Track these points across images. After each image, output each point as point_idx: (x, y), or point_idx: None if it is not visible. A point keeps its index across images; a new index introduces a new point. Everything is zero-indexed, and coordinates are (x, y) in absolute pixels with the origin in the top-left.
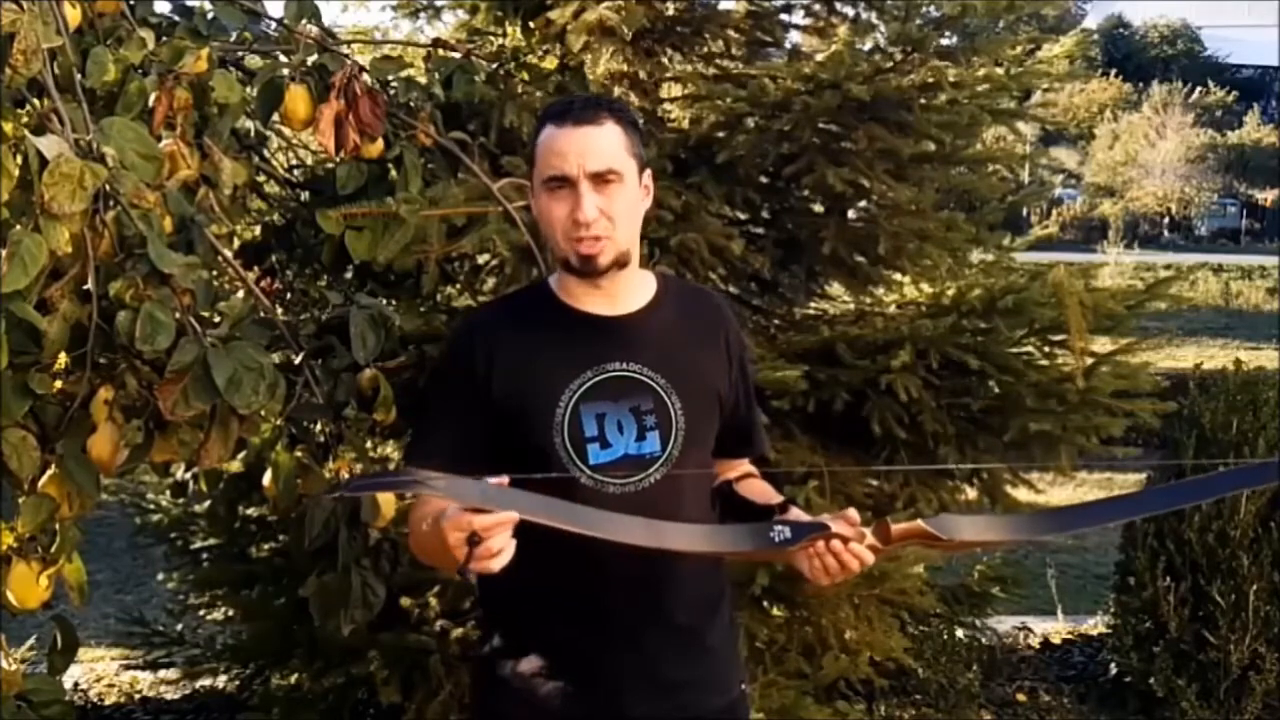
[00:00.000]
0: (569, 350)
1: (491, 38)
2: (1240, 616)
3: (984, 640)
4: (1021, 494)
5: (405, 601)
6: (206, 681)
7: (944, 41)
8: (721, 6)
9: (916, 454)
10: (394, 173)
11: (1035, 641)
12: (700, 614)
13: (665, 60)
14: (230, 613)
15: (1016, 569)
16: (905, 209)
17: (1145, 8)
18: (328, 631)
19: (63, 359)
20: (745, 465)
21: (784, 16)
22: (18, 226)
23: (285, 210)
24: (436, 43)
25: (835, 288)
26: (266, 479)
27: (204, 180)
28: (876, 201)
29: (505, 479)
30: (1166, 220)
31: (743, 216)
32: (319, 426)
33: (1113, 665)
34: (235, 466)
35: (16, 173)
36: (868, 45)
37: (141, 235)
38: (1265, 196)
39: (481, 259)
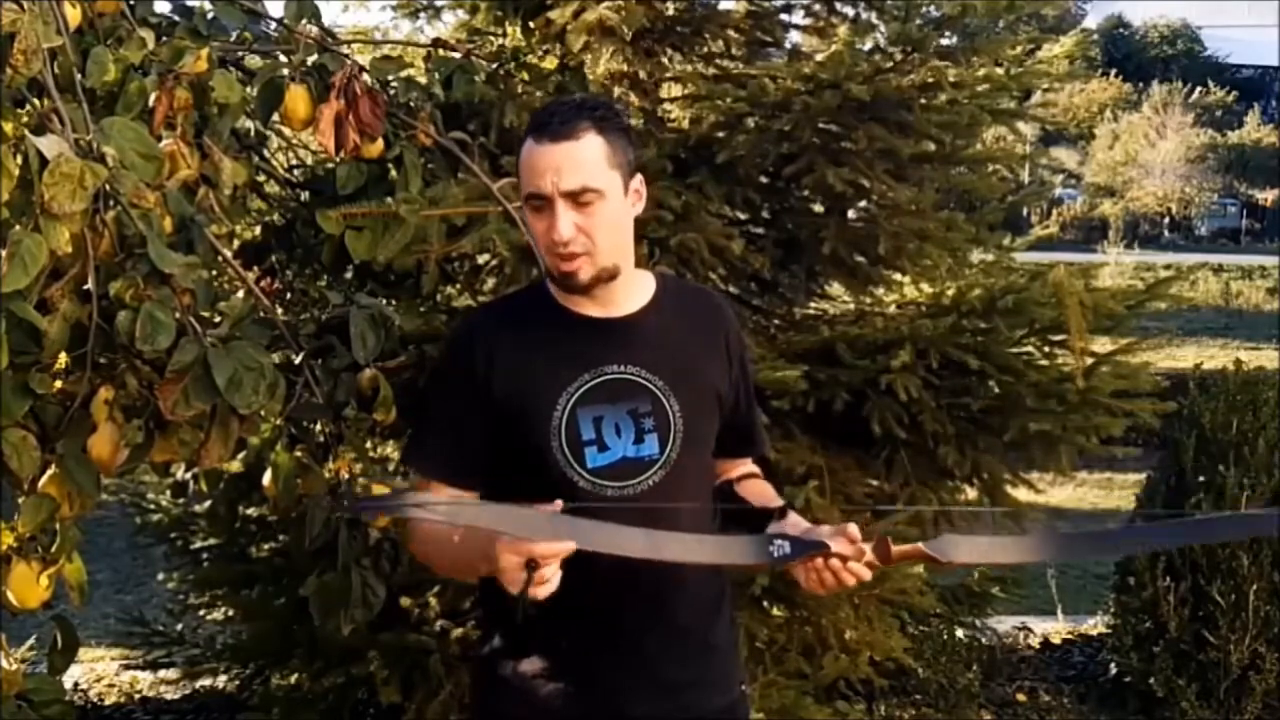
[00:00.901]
0: (567, 352)
1: (491, 38)
2: (1240, 616)
3: (984, 640)
4: (1022, 494)
5: (405, 601)
6: (206, 681)
7: (944, 41)
8: (721, 6)
9: (916, 454)
10: (394, 173)
11: (1035, 641)
12: (701, 614)
13: (665, 60)
14: (230, 613)
15: (1016, 569)
16: (905, 209)
17: (1145, 8)
18: (328, 631)
19: (63, 359)
20: (747, 465)
21: (784, 16)
22: (18, 226)
23: (285, 210)
24: (436, 43)
25: (835, 288)
26: (266, 479)
27: (204, 180)
28: (876, 201)
29: (557, 504)
30: (1166, 220)
31: (743, 216)
32: (319, 426)
33: (1113, 665)
34: (235, 466)
35: (16, 172)
36: (868, 45)
37: (141, 235)
38: (1265, 196)
39: (481, 259)
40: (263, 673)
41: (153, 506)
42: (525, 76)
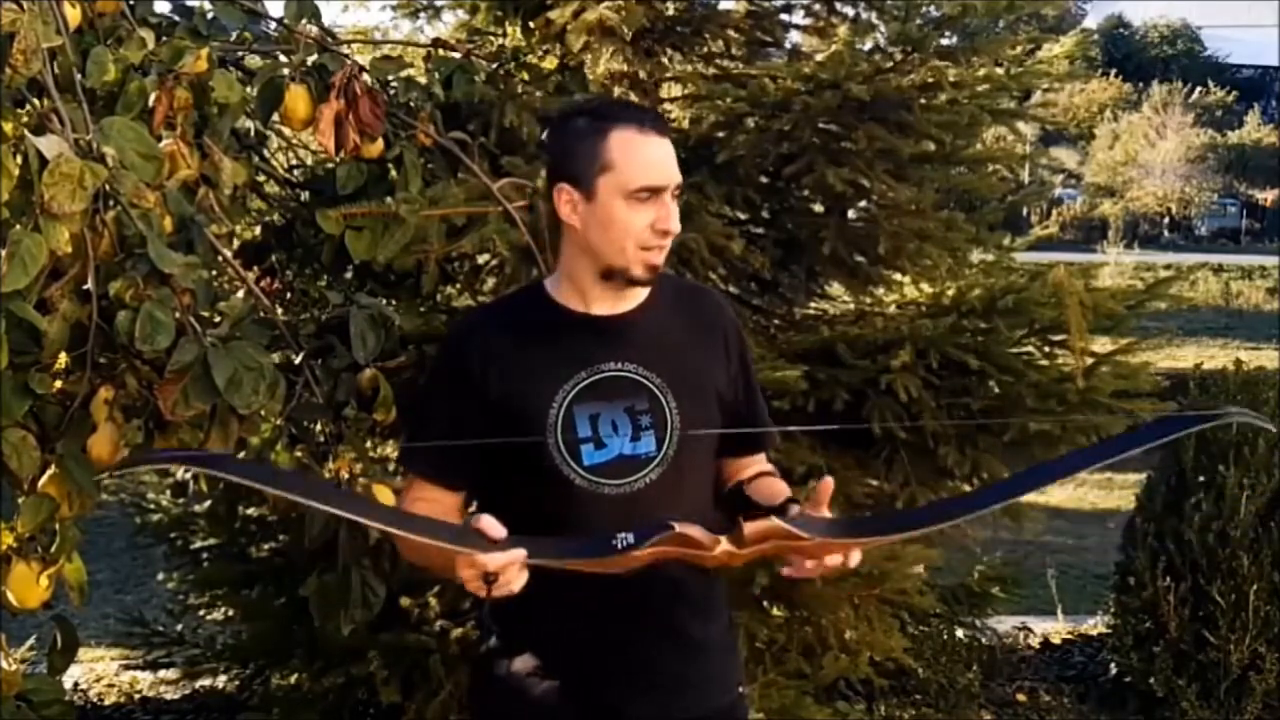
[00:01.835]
0: (563, 351)
1: (491, 38)
2: (1240, 616)
3: (984, 640)
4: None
5: (405, 601)
6: (206, 681)
7: (944, 41)
8: (721, 6)
9: (916, 454)
10: (394, 173)
11: (1035, 641)
12: (699, 614)
13: (665, 60)
14: (230, 613)
15: (1016, 569)
16: (905, 209)
17: (1145, 8)
18: (328, 631)
19: (63, 359)
20: (758, 464)
21: (784, 16)
22: (18, 226)
23: (285, 210)
24: (436, 43)
25: (835, 288)
26: None
27: (204, 180)
28: (876, 201)
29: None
30: (1166, 220)
31: (743, 216)
32: (319, 426)
33: (1113, 665)
34: None
35: (16, 172)
36: (868, 45)
37: (141, 235)
38: (1265, 196)
39: (481, 259)
40: (263, 673)
41: (153, 506)
42: (525, 76)
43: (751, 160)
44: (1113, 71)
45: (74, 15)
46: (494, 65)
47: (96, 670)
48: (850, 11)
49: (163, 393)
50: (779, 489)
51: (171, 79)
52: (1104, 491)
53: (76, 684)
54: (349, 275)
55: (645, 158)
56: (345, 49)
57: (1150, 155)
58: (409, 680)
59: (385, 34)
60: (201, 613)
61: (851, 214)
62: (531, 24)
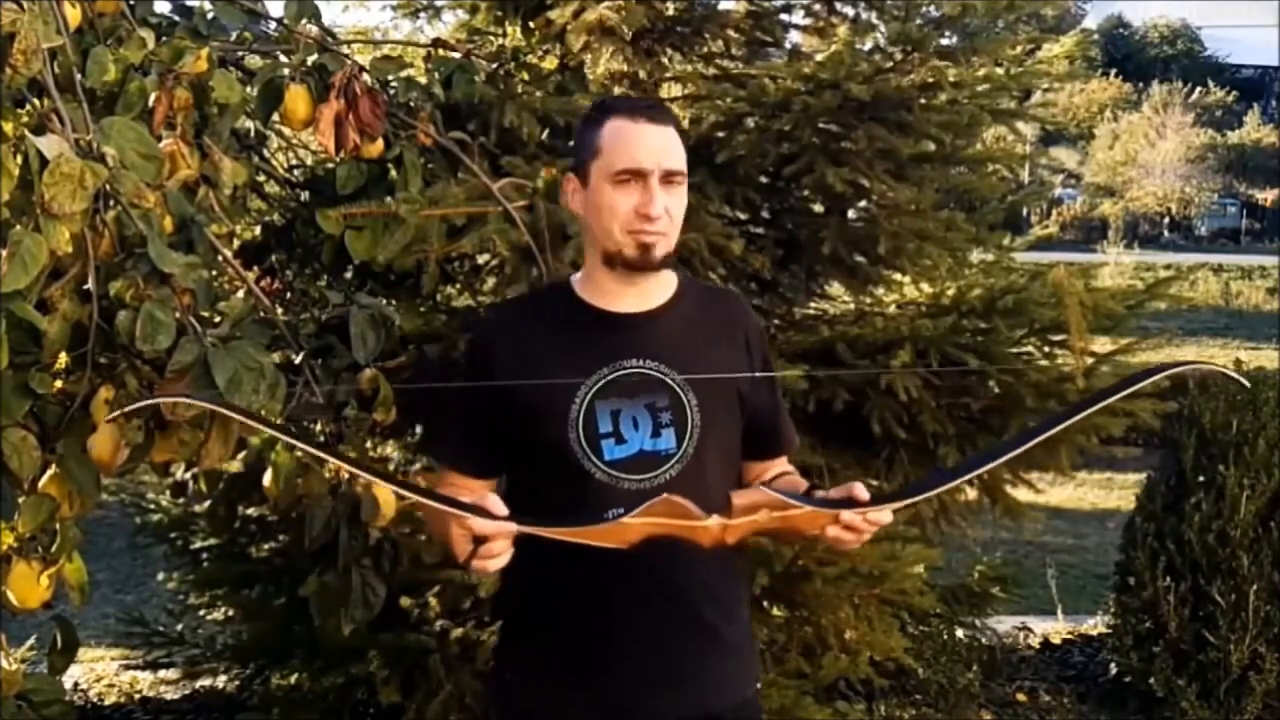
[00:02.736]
0: (586, 347)
1: (491, 38)
2: (1240, 616)
3: (984, 640)
4: (1022, 494)
5: (405, 601)
6: (206, 681)
7: (944, 41)
8: (721, 6)
9: (916, 454)
10: (394, 173)
11: (1035, 641)
12: (719, 612)
13: (665, 60)
14: (230, 613)
15: (1016, 569)
16: (905, 209)
17: (1145, 8)
18: (328, 631)
19: (63, 359)
20: (780, 465)
21: (784, 16)
22: (18, 226)
23: (285, 210)
24: (436, 43)
25: (835, 288)
26: (266, 479)
27: (204, 180)
28: (876, 201)
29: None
30: (1166, 220)
31: (743, 216)
32: (319, 426)
33: (1113, 665)
34: (235, 466)
35: (17, 173)
36: (868, 45)
37: (141, 235)
38: (1265, 196)
39: (481, 259)
40: (263, 673)
41: (153, 506)
42: (525, 76)
43: (751, 160)
44: (1113, 71)
45: (74, 15)
46: (494, 65)
47: (96, 670)
48: (850, 11)
49: (163, 392)
50: (799, 484)
51: (171, 79)
52: (1104, 491)
53: (76, 684)
54: (349, 275)
55: (630, 142)
56: (345, 49)
57: (1150, 155)
58: (409, 680)
59: (385, 34)
60: (201, 613)
61: (851, 214)
62: (531, 24)
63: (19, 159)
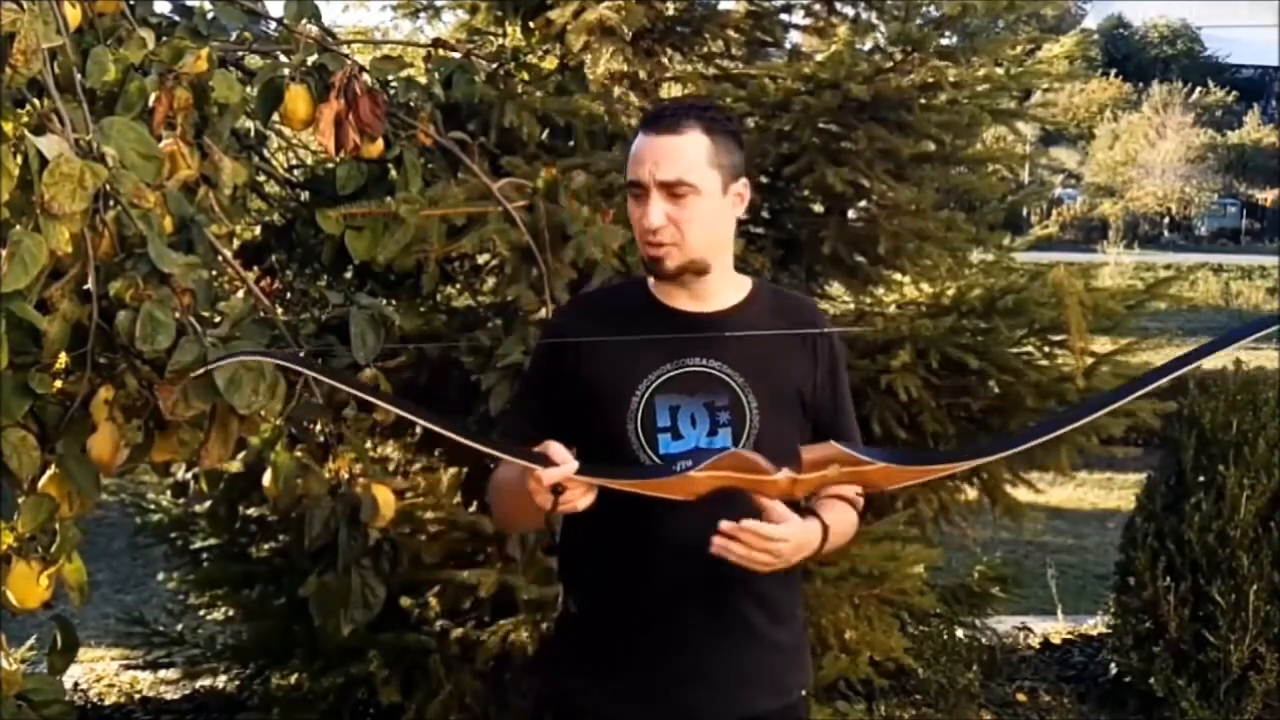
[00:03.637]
0: (653, 343)
1: (491, 38)
2: (1240, 616)
3: (984, 640)
4: (1022, 493)
5: (405, 601)
6: (206, 681)
7: (944, 41)
8: (721, 6)
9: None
10: (394, 173)
11: (1035, 641)
12: (770, 613)
13: (665, 60)
14: (230, 613)
15: (1016, 569)
16: (905, 209)
17: (1145, 8)
18: (328, 631)
19: (63, 359)
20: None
21: (784, 16)
22: (18, 226)
23: (285, 210)
24: (436, 43)
25: (835, 288)
26: (266, 479)
27: (204, 180)
28: (876, 201)
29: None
30: (1166, 220)
31: (743, 216)
32: (319, 426)
33: (1113, 665)
34: (235, 466)
35: (17, 173)
36: (868, 45)
37: (141, 235)
38: (1265, 196)
39: (481, 259)
40: (263, 673)
41: (153, 506)
42: (525, 76)
43: (751, 160)
44: (1113, 71)
45: (74, 15)
46: (494, 65)
47: (96, 670)
48: (850, 11)
49: (163, 393)
50: (852, 500)
51: (171, 79)
52: (1104, 491)
53: (76, 684)
54: (349, 275)
55: (635, 156)
56: (345, 49)
57: (1150, 155)
58: (409, 680)
59: (385, 34)
60: (201, 613)
61: (851, 214)
62: (531, 24)
63: (19, 159)
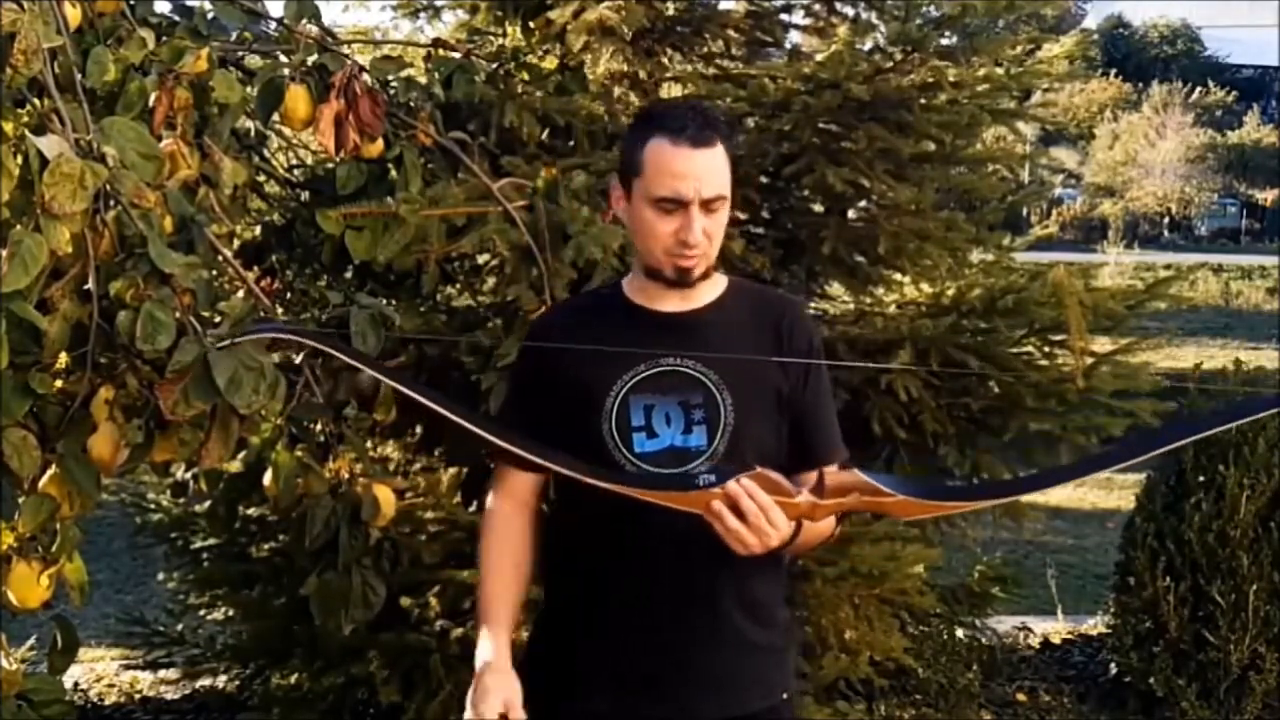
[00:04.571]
0: (628, 343)
1: (491, 38)
2: (1240, 616)
3: (984, 640)
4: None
5: (405, 601)
6: (206, 681)
7: (944, 41)
8: (721, 6)
9: (916, 454)
10: (394, 173)
11: (1035, 641)
12: (750, 614)
13: (665, 60)
14: (230, 613)
15: (1016, 569)
16: (905, 209)
17: (1145, 8)
18: (328, 631)
19: (63, 359)
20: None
21: (784, 16)
22: (18, 226)
23: (285, 210)
24: (436, 43)
25: (835, 288)
26: (266, 479)
27: (204, 180)
28: (876, 201)
29: None
30: (1166, 220)
31: (743, 216)
32: (319, 426)
33: (1113, 665)
34: (235, 466)
35: (17, 172)
36: (868, 45)
37: (142, 235)
38: (1265, 196)
39: (481, 259)
40: (263, 673)
41: (153, 506)
42: (525, 76)
43: (751, 160)
44: (1113, 71)
45: (74, 15)
46: (494, 65)
47: (96, 670)
48: (850, 11)
49: (163, 392)
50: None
51: (171, 79)
52: (1104, 491)
53: (76, 684)
54: (349, 275)
55: (670, 169)
56: (345, 49)
57: (1150, 155)
58: (409, 680)
59: (385, 34)
60: (201, 613)
61: (851, 214)
62: (531, 24)
63: (19, 159)
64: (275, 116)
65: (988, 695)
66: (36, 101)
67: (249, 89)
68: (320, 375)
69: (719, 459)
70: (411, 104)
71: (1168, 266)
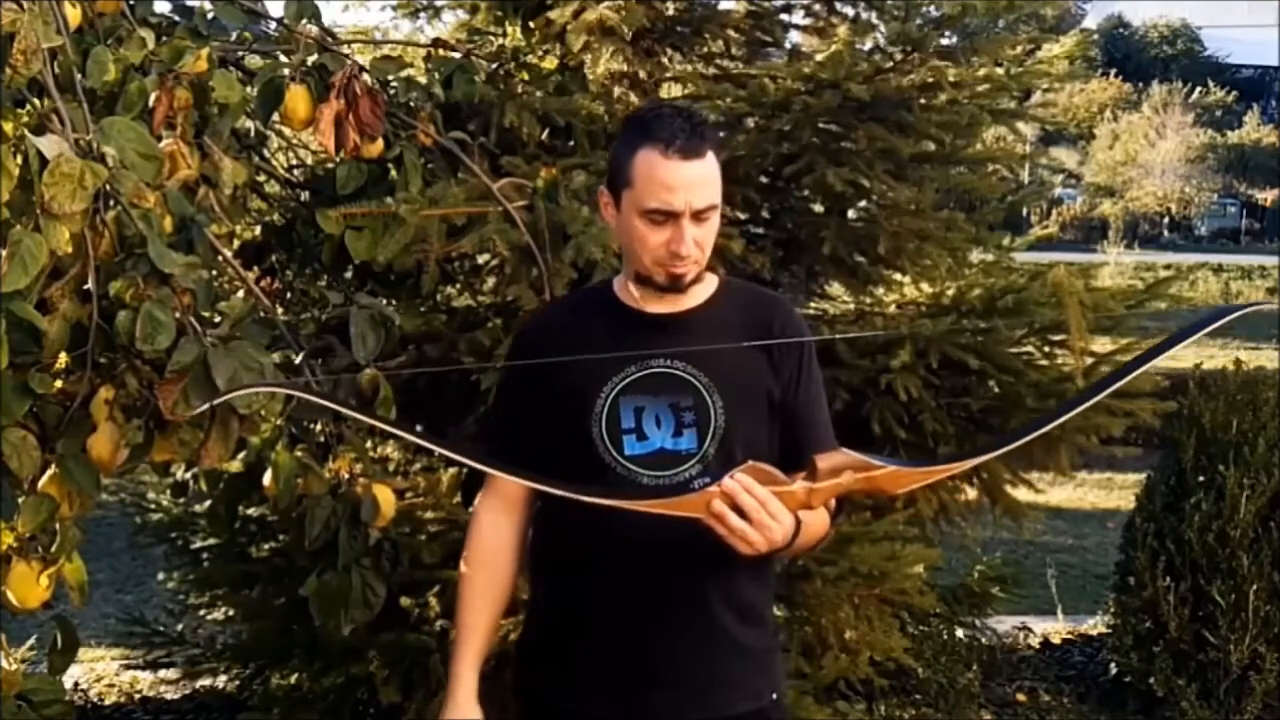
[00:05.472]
0: (619, 345)
1: (491, 38)
2: (1240, 616)
3: (984, 640)
4: (1022, 493)
5: (405, 601)
6: (206, 681)
7: (944, 41)
8: (721, 6)
9: (916, 454)
10: (394, 173)
11: (1035, 641)
12: (739, 616)
13: (665, 60)
14: (230, 613)
15: (1016, 569)
16: (905, 209)
17: (1145, 8)
18: (328, 631)
19: (63, 359)
20: None
21: (784, 16)
22: (18, 226)
23: (285, 210)
24: (436, 43)
25: (835, 288)
26: (266, 479)
27: (204, 180)
28: (876, 201)
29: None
30: (1166, 220)
31: (743, 216)
32: (319, 426)
33: (1113, 665)
34: (235, 466)
35: (17, 173)
36: (868, 45)
37: (141, 235)
38: (1265, 196)
39: (481, 259)
40: (263, 673)
41: (153, 506)
42: (525, 76)
43: (751, 160)
44: (1113, 71)
45: (74, 15)
46: (494, 65)
47: (96, 670)
48: (850, 11)
49: (163, 393)
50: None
51: (171, 79)
52: (1104, 491)
53: (76, 684)
54: (349, 275)
55: (661, 181)
56: (345, 49)
57: (1150, 155)
58: (409, 680)
59: (385, 34)
60: (201, 613)
61: (851, 214)
62: (531, 24)
63: (19, 159)
64: (275, 116)
65: (988, 695)
66: (36, 101)
67: (249, 89)
68: (320, 375)
69: (709, 462)
70: (411, 104)
71: (1168, 266)
